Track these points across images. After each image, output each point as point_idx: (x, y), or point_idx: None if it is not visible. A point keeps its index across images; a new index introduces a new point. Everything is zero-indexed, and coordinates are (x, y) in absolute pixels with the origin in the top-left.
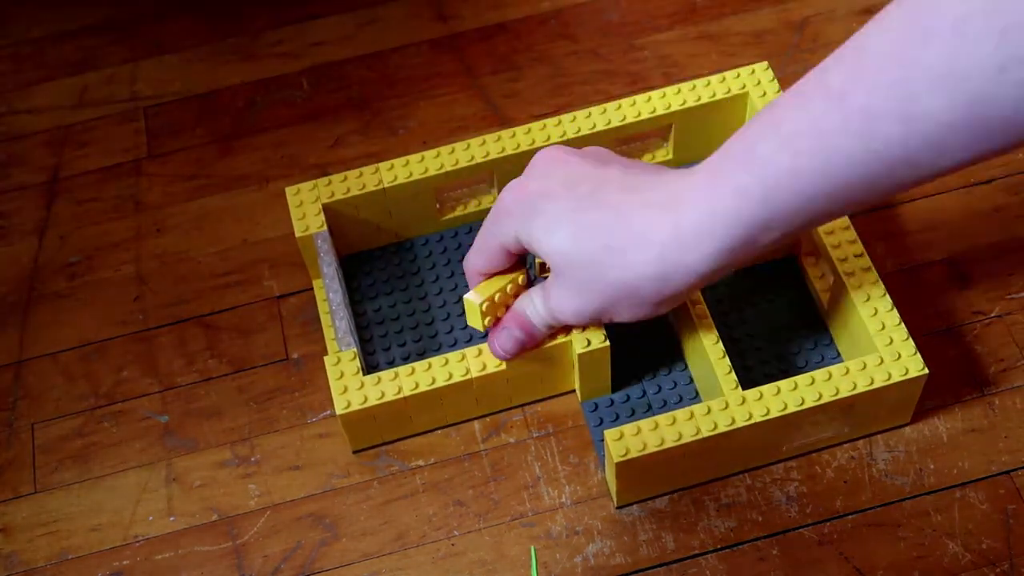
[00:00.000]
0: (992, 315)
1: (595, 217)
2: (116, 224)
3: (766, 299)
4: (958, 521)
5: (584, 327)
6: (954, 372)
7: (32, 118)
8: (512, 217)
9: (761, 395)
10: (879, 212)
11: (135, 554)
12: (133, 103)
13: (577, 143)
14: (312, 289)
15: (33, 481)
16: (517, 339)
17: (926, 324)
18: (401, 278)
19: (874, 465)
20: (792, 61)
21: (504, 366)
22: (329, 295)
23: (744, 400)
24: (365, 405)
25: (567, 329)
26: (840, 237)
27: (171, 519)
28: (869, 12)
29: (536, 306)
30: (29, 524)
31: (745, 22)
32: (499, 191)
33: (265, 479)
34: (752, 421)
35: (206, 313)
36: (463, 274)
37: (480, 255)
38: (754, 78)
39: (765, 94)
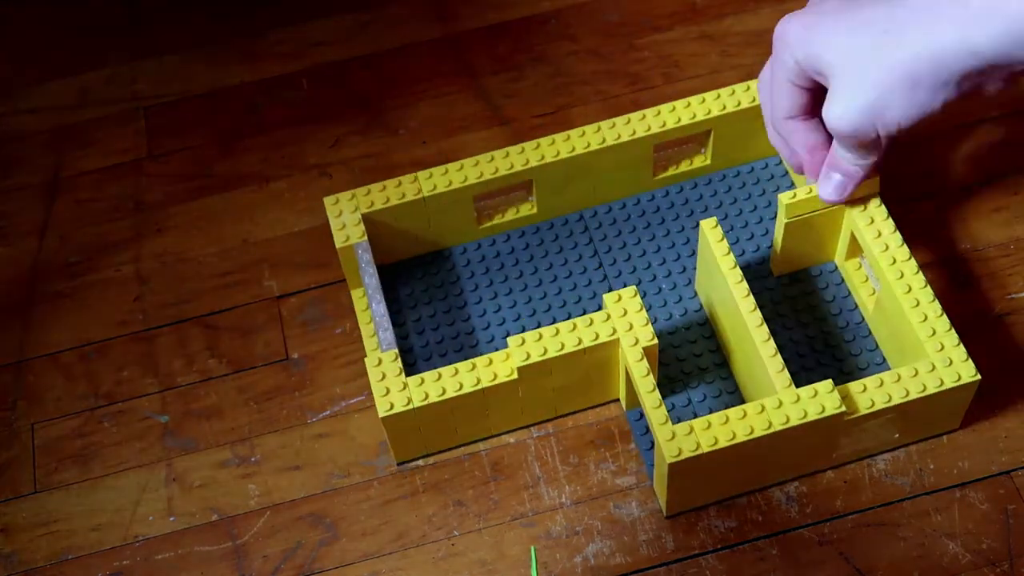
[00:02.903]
0: (992, 315)
1: (869, 12)
2: (116, 224)
3: (808, 305)
4: (958, 521)
5: (856, 146)
6: None
7: (32, 118)
8: (787, 43)
9: (816, 392)
10: None
11: (135, 554)
12: (133, 103)
13: (617, 150)
14: (312, 289)
15: (33, 481)
16: (831, 177)
17: None
18: (440, 287)
19: (874, 465)
20: None
21: (547, 354)
22: (372, 306)
23: (799, 398)
24: (409, 407)
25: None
26: (887, 240)
27: (171, 519)
28: None
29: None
30: (29, 524)
31: (745, 22)
32: (538, 200)
33: (265, 479)
34: (807, 419)
35: (206, 313)
36: (503, 282)
37: (775, 101)
38: None
39: None
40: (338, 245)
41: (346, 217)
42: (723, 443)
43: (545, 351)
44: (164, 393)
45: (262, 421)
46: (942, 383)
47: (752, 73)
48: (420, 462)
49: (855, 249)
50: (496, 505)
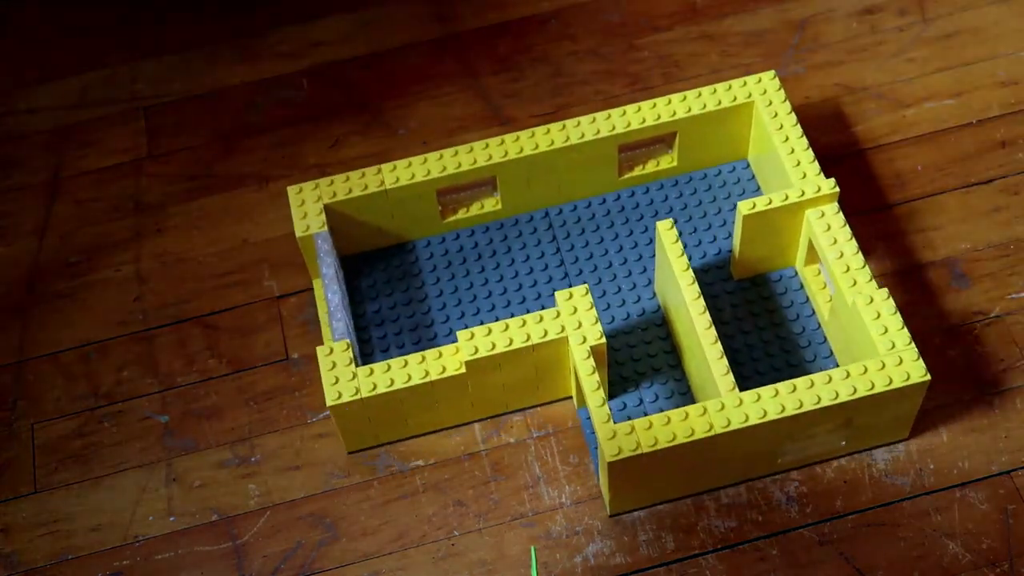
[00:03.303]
0: (992, 315)
1: None
2: (116, 224)
3: (766, 310)
4: (958, 521)
5: None
6: (954, 372)
7: (32, 118)
8: None
9: (759, 397)
10: (879, 212)
11: (135, 554)
12: (133, 103)
13: (580, 148)
14: (312, 289)
15: (33, 481)
16: None
17: (926, 324)
18: (402, 279)
19: (874, 465)
20: (792, 61)
21: (495, 349)
22: (328, 295)
23: (741, 401)
24: (357, 397)
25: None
26: (842, 247)
27: (171, 519)
28: (870, 12)
29: None
30: (29, 524)
31: (745, 22)
32: (502, 196)
33: (265, 479)
34: (749, 423)
35: (206, 313)
36: (464, 276)
37: None
38: (760, 87)
39: (771, 103)
40: (298, 234)
41: (308, 207)
42: (663, 444)
43: (493, 346)
44: (164, 393)
45: (262, 421)
46: (891, 381)
47: (752, 73)
48: (420, 462)
49: (814, 255)
50: (496, 505)
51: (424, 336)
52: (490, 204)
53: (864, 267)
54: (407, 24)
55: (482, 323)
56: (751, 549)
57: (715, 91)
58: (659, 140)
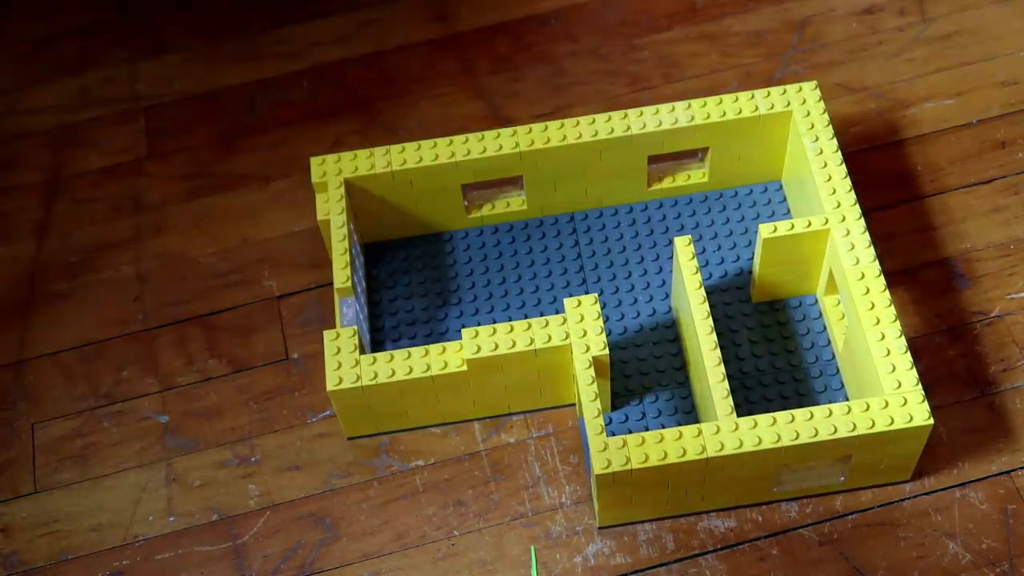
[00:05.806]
0: (992, 315)
1: None
2: (116, 224)
3: (781, 336)
4: (958, 521)
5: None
6: (954, 372)
7: (32, 118)
8: None
9: (756, 424)
10: (879, 212)
11: (135, 554)
12: (133, 103)
13: (610, 144)
14: (312, 289)
15: (33, 481)
16: None
17: (926, 324)
18: (421, 271)
19: None
20: (792, 61)
21: (497, 350)
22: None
23: (737, 427)
24: (357, 384)
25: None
26: (864, 270)
27: (171, 519)
28: (869, 12)
29: None
30: (29, 524)
31: (745, 22)
32: (528, 196)
33: (265, 479)
34: (743, 450)
35: (206, 313)
36: (483, 273)
37: None
38: (800, 96)
39: (809, 114)
40: (319, 218)
41: (331, 192)
42: (654, 462)
43: (496, 347)
44: (164, 393)
45: (262, 421)
46: (892, 422)
47: (752, 73)
48: (420, 462)
49: (835, 285)
50: (496, 505)
51: (436, 329)
52: (516, 203)
53: (885, 290)
54: (407, 24)
55: (495, 322)
56: (751, 549)
57: (752, 96)
58: (691, 154)
